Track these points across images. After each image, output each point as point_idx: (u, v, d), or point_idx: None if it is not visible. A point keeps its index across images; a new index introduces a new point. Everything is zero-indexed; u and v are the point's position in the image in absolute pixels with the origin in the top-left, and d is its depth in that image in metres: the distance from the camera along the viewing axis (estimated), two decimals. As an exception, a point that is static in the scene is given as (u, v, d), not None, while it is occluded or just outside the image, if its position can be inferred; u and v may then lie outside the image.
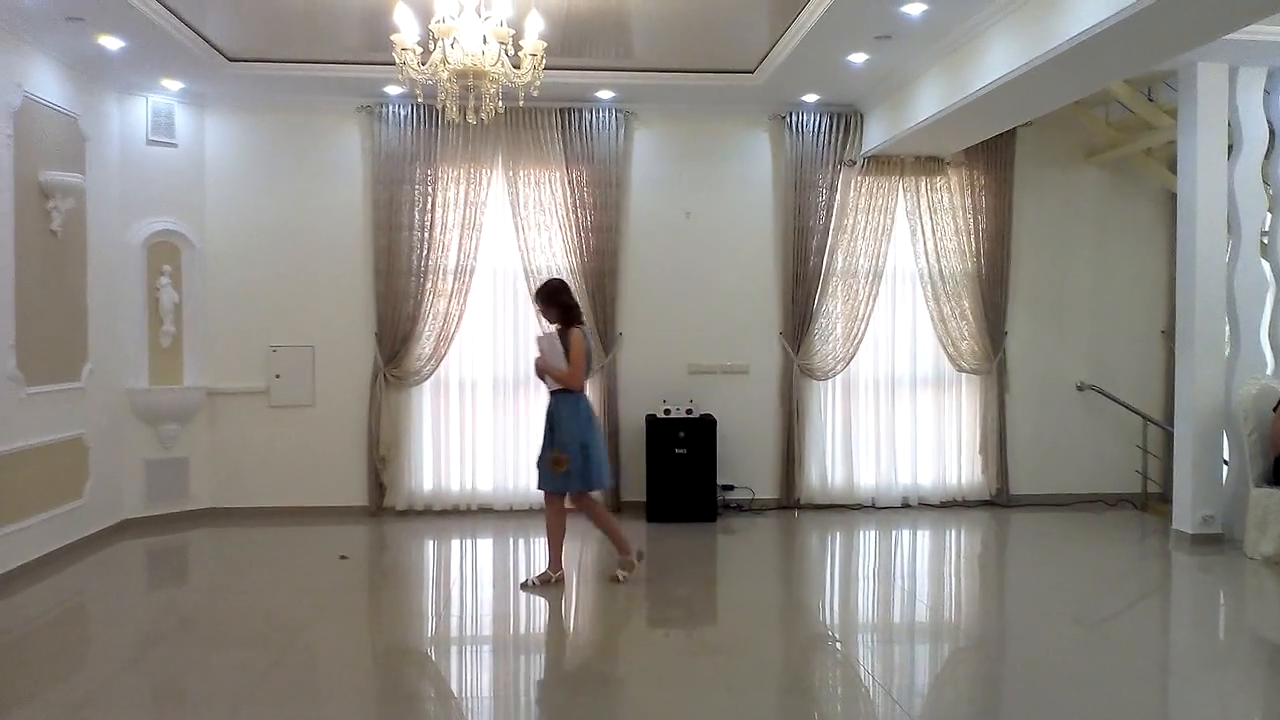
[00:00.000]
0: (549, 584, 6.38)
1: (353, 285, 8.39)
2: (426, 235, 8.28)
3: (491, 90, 5.34)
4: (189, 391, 8.16)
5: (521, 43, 5.35)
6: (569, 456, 6.21)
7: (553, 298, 6.36)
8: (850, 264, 8.67)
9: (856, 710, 4.70)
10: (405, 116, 8.27)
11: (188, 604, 6.38)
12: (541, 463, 6.39)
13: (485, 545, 7.77)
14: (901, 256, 8.78)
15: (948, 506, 8.84)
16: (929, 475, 8.92)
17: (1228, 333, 7.46)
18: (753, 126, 8.71)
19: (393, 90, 8.02)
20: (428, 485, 8.51)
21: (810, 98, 8.33)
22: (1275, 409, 7.10)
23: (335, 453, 8.39)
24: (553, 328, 6.38)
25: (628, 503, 8.53)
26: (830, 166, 8.59)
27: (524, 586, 6.38)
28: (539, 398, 8.52)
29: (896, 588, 6.70)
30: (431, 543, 7.79)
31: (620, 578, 6.44)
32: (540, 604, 6.32)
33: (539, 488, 6.53)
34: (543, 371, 6.33)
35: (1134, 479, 8.92)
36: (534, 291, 6.55)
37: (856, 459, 8.83)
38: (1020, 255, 8.88)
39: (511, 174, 8.37)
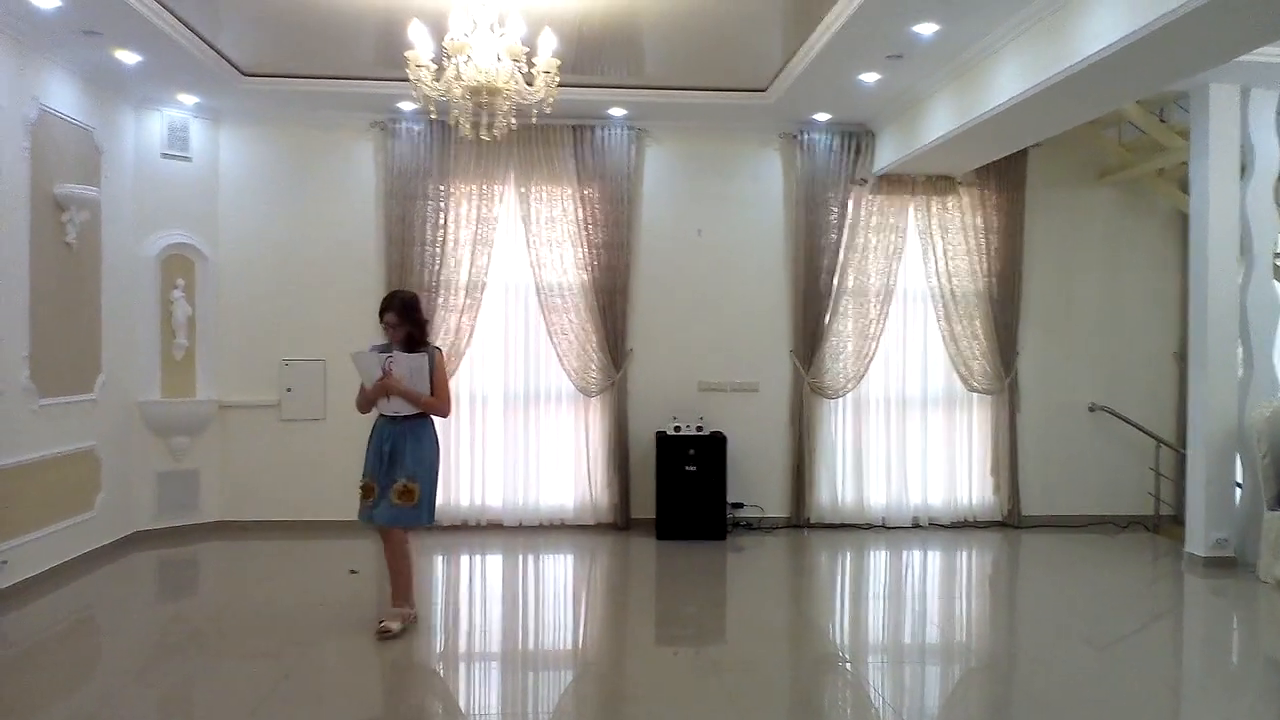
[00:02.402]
0: (411, 622, 5.80)
1: (364, 300, 8.37)
2: (439, 251, 8.30)
3: (504, 107, 5.38)
4: (201, 404, 8.19)
5: (535, 60, 5.39)
6: (419, 486, 5.64)
7: (410, 313, 5.70)
8: (861, 283, 8.67)
9: (866, 731, 4.68)
10: (418, 132, 8.31)
11: (197, 616, 6.38)
12: (381, 494, 5.65)
13: (494, 561, 7.76)
14: (913, 275, 8.77)
15: (958, 527, 8.80)
16: (940, 495, 8.88)
17: (1240, 354, 7.43)
18: (764, 145, 8.73)
19: (406, 106, 8.06)
20: (437, 500, 8.45)
21: (822, 116, 8.35)
22: (1289, 431, 7.07)
23: (345, 467, 8.32)
24: (376, 346, 5.82)
25: (637, 520, 8.52)
26: (841, 185, 8.59)
27: (385, 635, 5.59)
28: (551, 413, 8.61)
29: (907, 608, 6.67)
30: (440, 558, 7.78)
31: (394, 629, 5.62)
32: (548, 621, 6.33)
33: (381, 522, 5.67)
34: (390, 394, 5.60)
35: (1146, 501, 8.87)
36: (386, 303, 5.73)
37: (867, 478, 8.80)
38: (1032, 275, 8.87)
39: (524, 190, 8.41)
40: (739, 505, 8.58)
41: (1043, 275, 8.92)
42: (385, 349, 5.71)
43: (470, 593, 7.16)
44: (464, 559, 7.86)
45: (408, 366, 5.59)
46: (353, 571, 7.08)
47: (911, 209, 8.70)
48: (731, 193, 8.74)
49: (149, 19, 6.07)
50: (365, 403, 5.77)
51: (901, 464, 8.82)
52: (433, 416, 5.79)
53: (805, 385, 8.65)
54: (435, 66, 5.31)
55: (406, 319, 5.67)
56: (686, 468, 8.23)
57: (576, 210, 8.41)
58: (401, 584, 5.79)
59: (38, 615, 6.08)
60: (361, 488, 5.76)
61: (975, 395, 8.84)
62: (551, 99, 5.50)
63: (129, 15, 5.99)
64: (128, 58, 6.79)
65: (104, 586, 6.82)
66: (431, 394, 5.65)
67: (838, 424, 8.80)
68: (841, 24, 5.98)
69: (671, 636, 6.09)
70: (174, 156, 8.08)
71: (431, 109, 5.55)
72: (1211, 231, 7.24)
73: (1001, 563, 8.10)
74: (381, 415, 5.74)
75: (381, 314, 5.70)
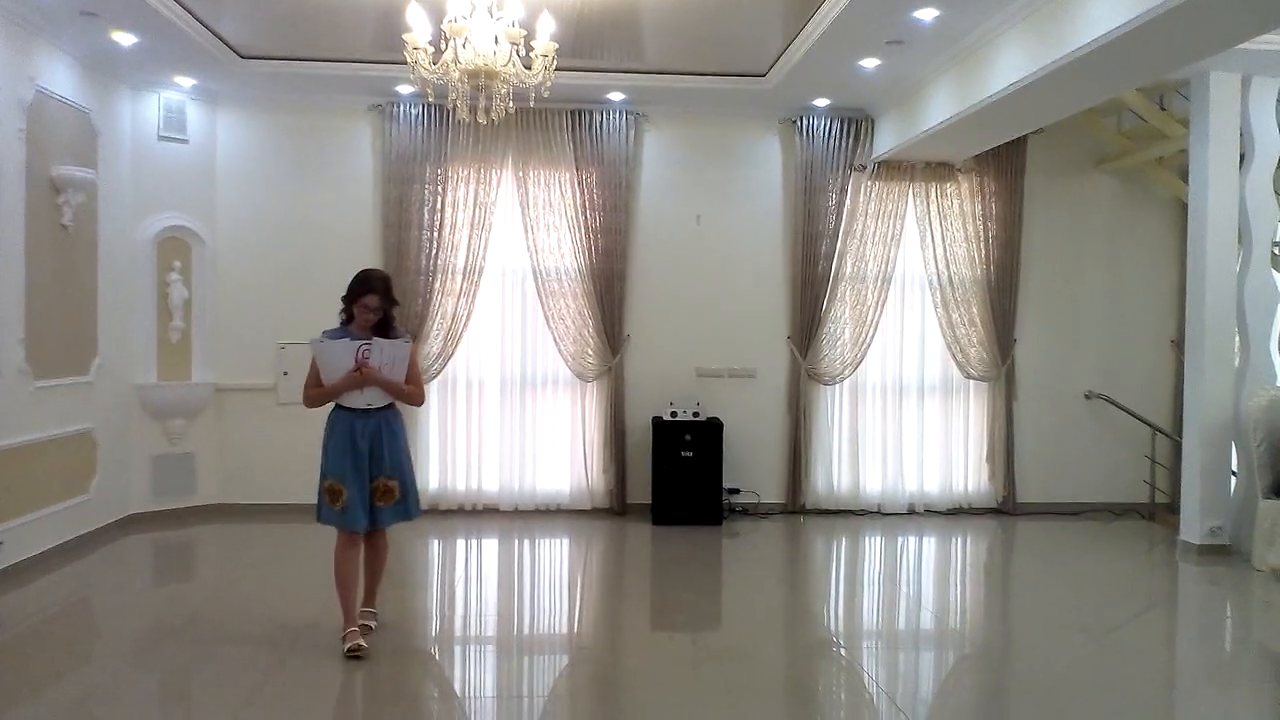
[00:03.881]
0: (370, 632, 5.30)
1: (361, 284, 8.36)
2: (436, 235, 8.28)
3: (502, 90, 5.35)
4: (197, 387, 8.19)
5: (533, 43, 5.36)
6: (401, 482, 5.21)
7: (390, 295, 5.22)
8: (859, 269, 8.65)
9: (861, 718, 4.69)
10: (416, 116, 8.27)
11: (193, 600, 6.38)
12: (358, 496, 5.08)
13: (490, 545, 7.77)
14: (911, 262, 8.76)
15: (954, 514, 8.82)
16: (936, 482, 8.89)
17: (1237, 343, 7.45)
18: (763, 130, 8.71)
19: (404, 89, 8.03)
20: (433, 485, 8.50)
21: (821, 102, 8.32)
22: (1285, 420, 7.08)
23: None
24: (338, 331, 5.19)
25: (633, 505, 8.53)
26: (840, 171, 8.57)
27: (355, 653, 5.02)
28: (547, 398, 8.60)
29: (902, 594, 6.69)
30: (436, 542, 7.79)
31: (373, 626, 5.36)
32: (545, 606, 6.35)
33: (377, 526, 5.23)
34: (368, 384, 5.07)
35: (1141, 489, 8.89)
36: (365, 283, 5.13)
37: (863, 464, 8.81)
38: (1030, 263, 8.86)
39: (521, 175, 8.38)
40: (735, 491, 8.59)
41: (1041, 263, 8.91)
42: (341, 334, 5.14)
43: (466, 577, 7.17)
44: (460, 543, 7.87)
45: (390, 355, 5.08)
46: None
47: (910, 195, 8.68)
48: (730, 178, 8.72)
49: (146, 0, 6.03)
50: (326, 395, 5.11)
51: (898, 450, 8.82)
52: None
53: (802, 371, 8.65)
54: (433, 49, 5.28)
55: (386, 301, 5.17)
56: (683, 453, 8.23)
57: (574, 195, 8.39)
58: (373, 590, 5.43)
59: (33, 598, 6.08)
60: (328, 490, 5.08)
61: (972, 382, 8.84)
62: (550, 83, 5.47)
63: (126, -4, 5.97)
64: (125, 39, 6.75)
65: (99, 569, 6.82)
66: (406, 383, 5.20)
67: (834, 410, 8.80)
68: (841, 9, 5.95)
69: (667, 622, 6.11)
70: (171, 139, 8.05)
71: (429, 92, 5.53)
72: (1210, 220, 7.23)
73: (996, 550, 8.12)
74: (343, 408, 5.13)
75: (360, 295, 5.10)
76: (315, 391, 5.14)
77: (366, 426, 5.11)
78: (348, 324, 5.19)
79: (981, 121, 6.99)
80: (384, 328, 5.19)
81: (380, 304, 5.13)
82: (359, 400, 5.10)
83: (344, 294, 5.19)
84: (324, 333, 5.20)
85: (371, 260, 8.28)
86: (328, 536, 7.14)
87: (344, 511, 5.06)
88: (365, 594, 5.41)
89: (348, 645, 5.01)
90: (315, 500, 5.16)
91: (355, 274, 5.23)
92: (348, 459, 5.07)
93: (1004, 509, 8.83)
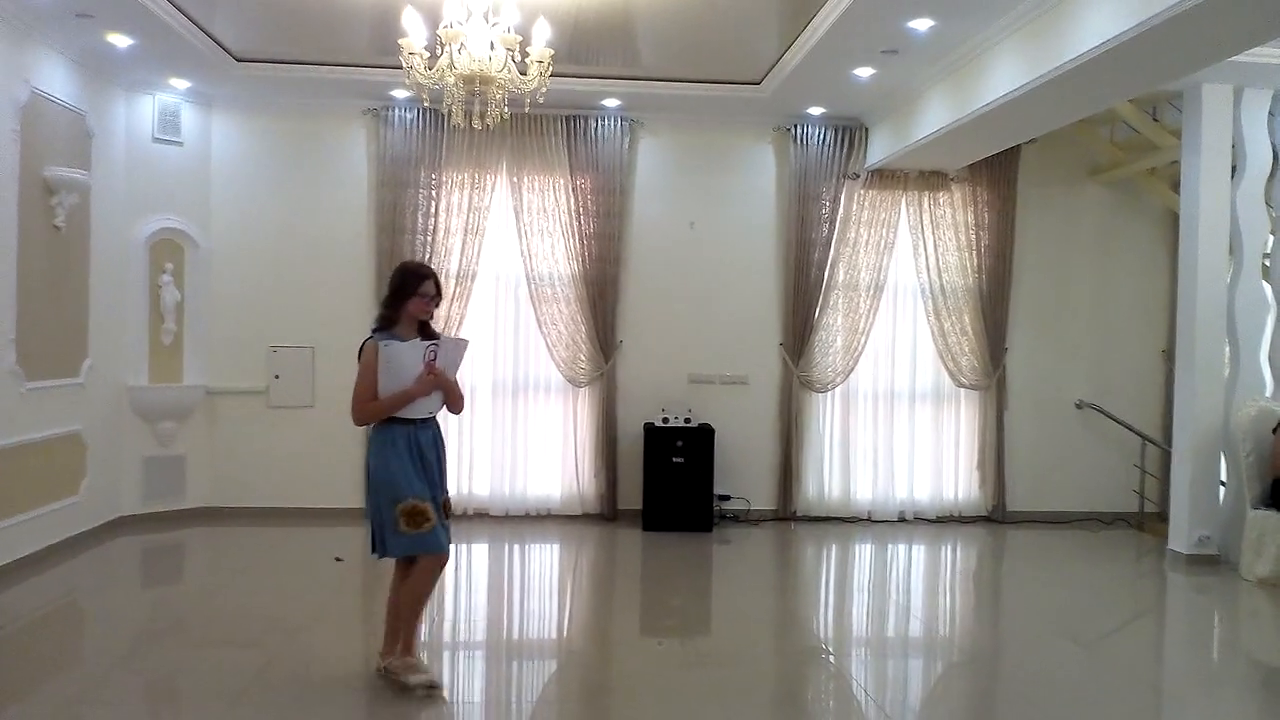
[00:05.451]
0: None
1: (354, 287, 8.37)
2: (430, 239, 8.28)
3: (497, 96, 5.36)
4: (188, 390, 8.17)
5: (528, 49, 5.37)
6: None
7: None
8: (852, 277, 8.67)
9: (849, 724, 4.70)
10: (411, 120, 8.28)
11: (182, 603, 6.37)
12: (420, 515, 4.54)
13: (480, 550, 7.76)
14: (903, 271, 8.78)
15: (944, 522, 8.82)
16: (926, 490, 8.91)
17: (1227, 354, 7.47)
18: (758, 138, 8.73)
19: (399, 94, 8.03)
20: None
21: (815, 110, 8.35)
22: (1274, 430, 7.11)
23: (332, 454, 8.35)
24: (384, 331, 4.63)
25: (624, 511, 8.52)
26: (834, 179, 8.59)
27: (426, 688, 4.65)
28: (539, 403, 8.59)
29: (891, 602, 6.70)
30: (427, 546, 7.77)
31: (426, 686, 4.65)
32: (534, 611, 6.34)
33: (435, 550, 4.64)
34: (436, 389, 4.61)
35: (1131, 498, 8.91)
36: (419, 270, 4.69)
37: (854, 472, 8.82)
38: (1022, 272, 8.88)
39: (516, 180, 8.38)
40: (726, 497, 8.59)
41: (1033, 272, 8.94)
42: (391, 338, 4.55)
43: (456, 581, 7.15)
44: (450, 547, 7.83)
45: (454, 356, 4.66)
46: (338, 559, 7.07)
47: (903, 204, 8.71)
48: (724, 185, 8.73)
49: (142, 2, 6.02)
50: (394, 405, 4.53)
51: (888, 458, 8.83)
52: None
53: (794, 379, 8.66)
54: (428, 54, 5.30)
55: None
56: (674, 459, 8.23)
57: (568, 201, 8.40)
58: (414, 631, 4.80)
59: (22, 600, 6.05)
60: (411, 512, 4.50)
61: (963, 391, 8.86)
62: (545, 89, 5.48)
63: (121, -2, 5.96)
64: (120, 41, 6.74)
65: (89, 572, 6.81)
66: None
67: (826, 418, 8.81)
68: (837, 18, 5.97)
69: (657, 627, 6.11)
70: (165, 141, 8.04)
71: (424, 97, 5.54)
72: (1201, 231, 7.26)
73: (986, 558, 8.14)
74: (401, 420, 4.58)
75: (415, 285, 4.57)
76: (379, 403, 4.53)
77: (428, 437, 4.65)
78: (388, 328, 4.62)
79: (975, 131, 7.01)
80: (425, 326, 4.71)
81: (438, 289, 4.65)
82: (423, 409, 4.60)
83: (389, 294, 4.66)
84: (373, 337, 4.60)
85: (364, 263, 8.33)
86: (320, 539, 7.14)
87: (433, 532, 4.56)
88: (404, 641, 4.74)
89: (417, 679, 4.62)
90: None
91: (397, 268, 4.80)
92: (421, 475, 4.57)
93: (994, 517, 8.84)
